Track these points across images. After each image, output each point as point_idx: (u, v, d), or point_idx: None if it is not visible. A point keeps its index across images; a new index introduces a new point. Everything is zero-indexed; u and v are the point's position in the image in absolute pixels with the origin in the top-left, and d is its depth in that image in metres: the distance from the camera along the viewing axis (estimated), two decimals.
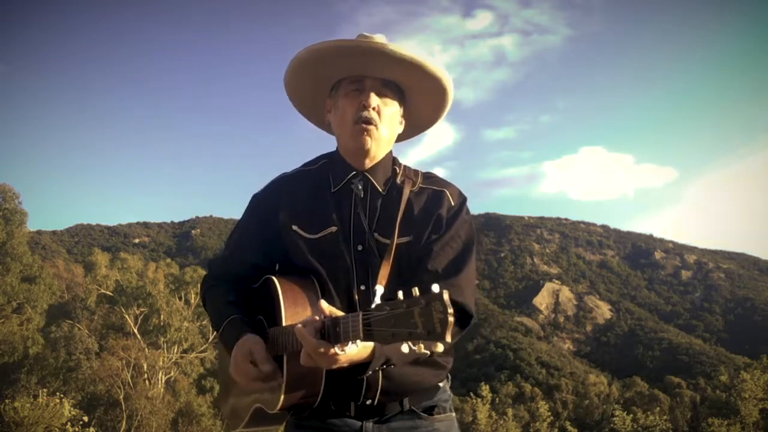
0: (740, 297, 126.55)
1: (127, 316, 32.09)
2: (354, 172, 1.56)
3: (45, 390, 16.32)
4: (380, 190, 1.56)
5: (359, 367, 1.32)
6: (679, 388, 54.67)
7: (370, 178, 1.57)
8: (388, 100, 1.56)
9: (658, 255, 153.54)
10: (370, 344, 1.27)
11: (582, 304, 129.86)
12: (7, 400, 15.11)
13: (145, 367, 27.95)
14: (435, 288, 0.99)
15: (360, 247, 1.49)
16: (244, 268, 1.59)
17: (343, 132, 1.56)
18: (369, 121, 1.51)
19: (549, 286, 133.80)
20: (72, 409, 14.78)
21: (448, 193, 1.58)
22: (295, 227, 1.52)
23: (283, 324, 1.38)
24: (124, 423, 23.48)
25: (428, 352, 1.00)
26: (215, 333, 1.57)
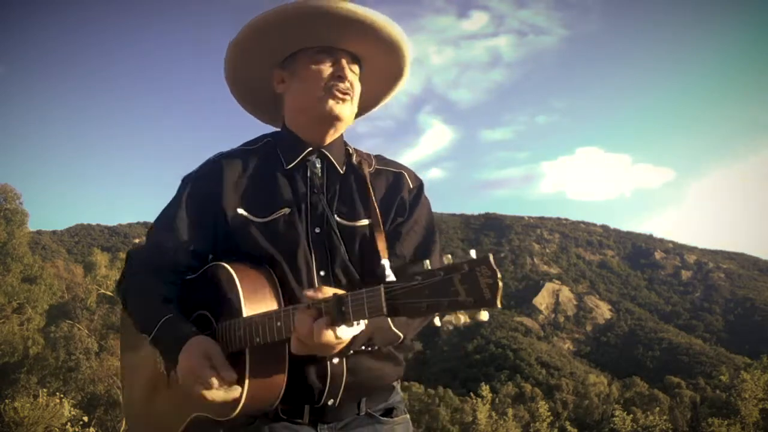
0: (740, 297, 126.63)
1: None
2: (310, 149, 1.42)
3: (45, 390, 16.28)
4: (339, 169, 1.43)
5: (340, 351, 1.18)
6: (679, 388, 54.56)
7: (329, 155, 1.42)
8: (356, 76, 1.43)
9: (658, 255, 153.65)
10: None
11: (582, 304, 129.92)
12: (7, 400, 15.08)
13: None
14: (473, 253, 0.91)
15: (318, 230, 1.35)
16: (178, 257, 1.36)
17: (308, 100, 1.39)
18: (346, 92, 1.38)
19: (549, 286, 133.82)
20: (72, 409, 14.77)
21: (406, 174, 1.48)
22: (240, 210, 1.35)
23: (244, 315, 1.20)
24: (124, 423, 23.45)
25: (467, 321, 0.90)
26: (145, 336, 1.29)
